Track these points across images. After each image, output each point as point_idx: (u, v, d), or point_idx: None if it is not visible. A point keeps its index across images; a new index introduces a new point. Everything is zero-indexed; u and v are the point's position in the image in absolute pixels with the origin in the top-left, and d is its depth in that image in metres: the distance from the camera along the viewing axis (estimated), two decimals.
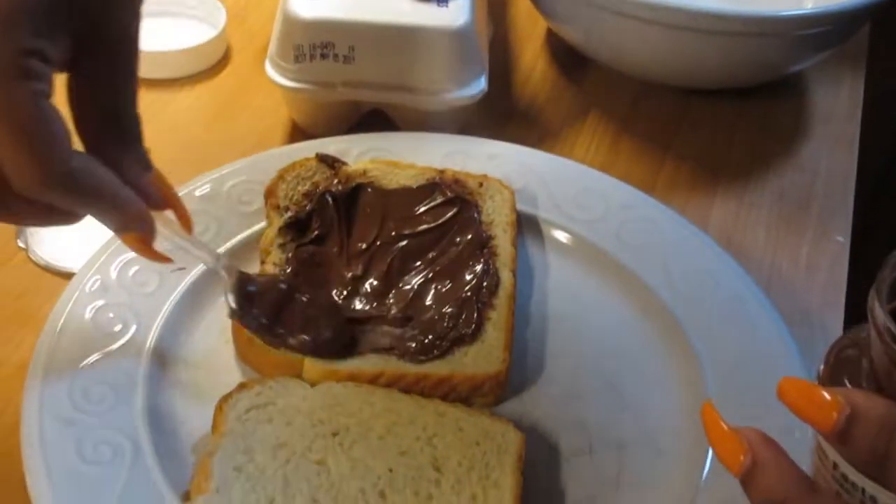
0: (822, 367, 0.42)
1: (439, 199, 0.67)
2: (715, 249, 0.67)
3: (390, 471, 0.52)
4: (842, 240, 0.74)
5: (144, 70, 0.80)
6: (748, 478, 0.35)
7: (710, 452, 0.55)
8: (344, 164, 0.69)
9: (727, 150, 0.82)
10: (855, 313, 0.68)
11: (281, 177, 0.67)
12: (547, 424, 0.58)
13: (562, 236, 0.68)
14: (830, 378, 0.41)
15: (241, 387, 0.56)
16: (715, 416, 0.37)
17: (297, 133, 0.79)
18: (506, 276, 0.63)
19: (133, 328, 0.59)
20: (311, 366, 0.57)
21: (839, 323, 0.68)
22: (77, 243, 0.67)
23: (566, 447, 0.57)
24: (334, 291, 0.62)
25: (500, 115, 0.83)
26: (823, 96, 0.88)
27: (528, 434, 0.56)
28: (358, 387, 0.57)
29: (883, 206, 1.09)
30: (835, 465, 0.38)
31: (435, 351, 0.58)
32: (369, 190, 0.67)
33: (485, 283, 0.62)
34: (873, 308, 0.36)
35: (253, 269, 0.64)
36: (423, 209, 0.67)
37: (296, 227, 0.64)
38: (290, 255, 0.63)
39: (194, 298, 0.62)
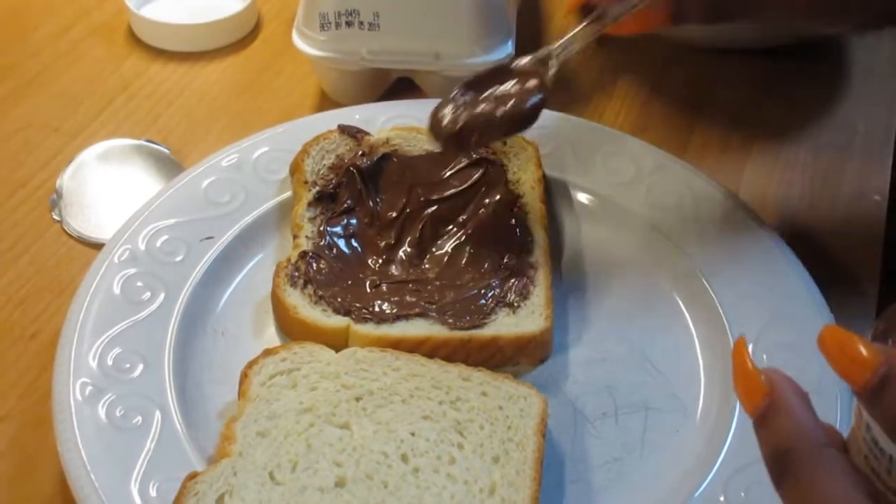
0: (879, 323, 0.38)
1: (465, 162, 0.67)
2: (746, 211, 0.66)
3: (413, 434, 0.53)
4: (879, 199, 0.72)
5: (175, 43, 0.83)
6: (762, 420, 0.34)
7: (736, 416, 0.55)
8: (366, 133, 0.69)
9: (762, 108, 0.80)
10: (892, 275, 0.67)
11: (305, 151, 0.67)
12: (572, 388, 0.58)
13: (590, 200, 0.68)
14: (883, 335, 0.37)
15: (267, 353, 0.56)
16: (743, 353, 0.35)
17: (327, 103, 0.79)
18: (539, 234, 0.63)
19: (161, 297, 0.59)
20: (358, 334, 0.58)
21: (874, 285, 0.67)
22: (110, 215, 0.68)
23: (591, 411, 0.57)
24: (369, 260, 0.63)
25: None
26: (863, 53, 0.86)
27: (553, 398, 0.56)
28: (382, 352, 0.57)
29: None
30: (867, 427, 0.35)
31: (477, 315, 0.58)
32: (394, 159, 0.67)
33: (519, 242, 0.62)
34: None
35: (278, 238, 0.65)
36: (449, 173, 0.66)
37: (324, 201, 0.65)
38: (321, 228, 0.63)
39: (221, 268, 0.62)
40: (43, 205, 0.70)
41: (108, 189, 0.71)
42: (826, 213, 0.71)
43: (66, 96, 0.80)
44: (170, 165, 0.72)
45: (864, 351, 0.32)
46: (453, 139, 0.60)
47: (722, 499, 0.51)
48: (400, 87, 0.78)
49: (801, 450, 0.33)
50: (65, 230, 0.68)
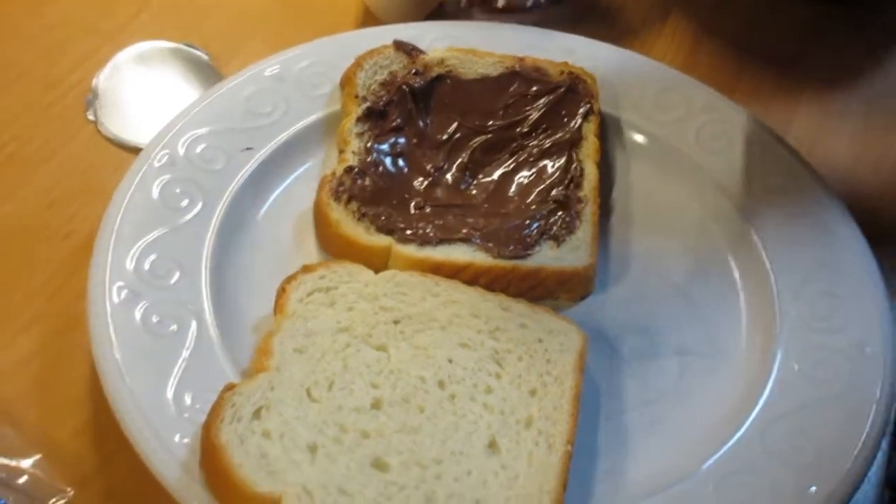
0: None
1: (521, 89, 0.65)
2: (796, 157, 0.64)
3: (450, 361, 0.52)
4: None
5: None
6: None
7: (777, 364, 0.54)
8: (421, 52, 0.67)
9: (814, 55, 0.78)
10: None
11: (358, 64, 0.65)
12: (611, 326, 0.58)
13: (639, 136, 0.66)
14: None
15: (305, 269, 0.55)
16: None
17: (369, 19, 0.77)
18: (590, 169, 0.62)
19: (199, 205, 0.58)
20: (400, 255, 0.57)
21: None
22: (146, 119, 0.67)
23: (628, 350, 0.57)
24: (415, 181, 0.61)
25: (579, 10, 0.79)
26: None
27: (591, 335, 0.56)
28: (422, 276, 0.56)
29: None
30: None
31: (521, 245, 0.57)
32: (448, 81, 0.65)
33: (569, 175, 0.61)
34: None
35: (318, 154, 0.63)
36: (509, 101, 0.65)
37: (373, 117, 0.63)
38: (368, 144, 0.62)
39: (260, 180, 0.61)
40: (78, 104, 0.69)
41: (145, 92, 0.69)
42: (874, 166, 0.70)
43: None
44: (208, 72, 0.71)
45: None
46: None
47: (759, 447, 0.51)
48: (446, 9, 0.76)
49: None
50: (99, 131, 0.67)
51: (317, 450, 0.47)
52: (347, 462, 0.47)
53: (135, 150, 0.65)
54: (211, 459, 0.45)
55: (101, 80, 0.69)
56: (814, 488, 0.49)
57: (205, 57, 0.71)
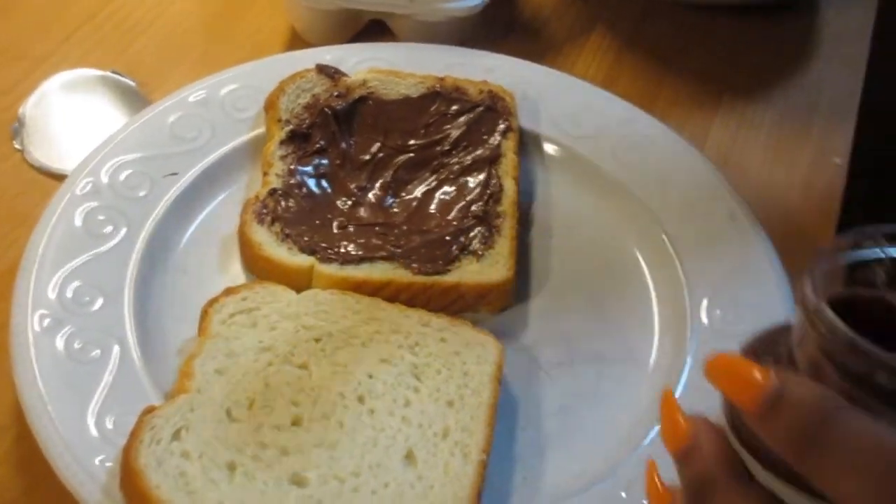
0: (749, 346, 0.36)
1: (446, 110, 0.67)
2: (710, 169, 0.66)
3: (370, 377, 0.53)
4: (839, 162, 0.73)
5: None
6: (683, 458, 0.35)
7: (687, 367, 0.56)
8: (344, 74, 0.68)
9: (731, 67, 0.80)
10: None
11: (281, 89, 0.66)
12: (530, 336, 0.59)
13: (557, 151, 0.68)
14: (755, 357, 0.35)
15: (228, 292, 0.56)
16: (672, 405, 0.36)
17: (297, 41, 0.78)
18: (508, 184, 0.64)
19: (123, 231, 0.59)
20: (322, 274, 0.58)
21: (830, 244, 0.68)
22: (73, 147, 0.68)
23: (547, 360, 0.58)
24: (338, 201, 0.63)
25: (502, 27, 0.81)
26: (834, 15, 0.86)
27: (510, 346, 0.57)
28: (343, 294, 0.57)
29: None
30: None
31: (442, 261, 0.59)
32: (370, 102, 0.67)
33: (488, 191, 0.63)
34: (805, 294, 0.32)
35: (244, 177, 0.64)
36: (429, 120, 0.67)
37: (297, 140, 0.64)
38: (292, 166, 0.63)
39: (185, 204, 0.62)
40: (3, 132, 0.69)
41: (72, 120, 0.70)
42: (787, 174, 0.72)
43: (31, 21, 0.78)
44: (135, 99, 0.72)
45: (756, 373, 0.32)
46: None
47: None
48: (372, 30, 0.78)
49: (725, 481, 0.33)
50: (26, 160, 0.68)
51: (235, 468, 0.48)
52: (265, 479, 0.48)
53: (62, 178, 0.66)
54: (130, 482, 0.46)
55: (28, 107, 0.70)
56: None
57: (132, 84, 0.72)
